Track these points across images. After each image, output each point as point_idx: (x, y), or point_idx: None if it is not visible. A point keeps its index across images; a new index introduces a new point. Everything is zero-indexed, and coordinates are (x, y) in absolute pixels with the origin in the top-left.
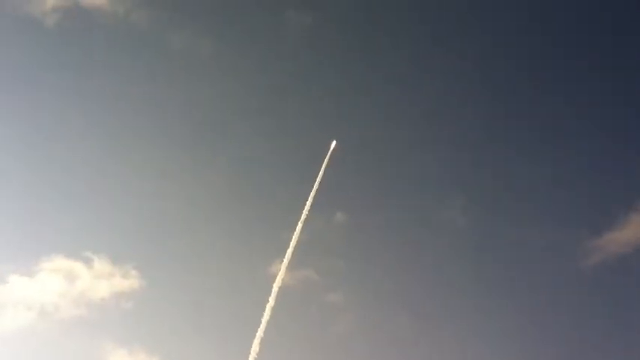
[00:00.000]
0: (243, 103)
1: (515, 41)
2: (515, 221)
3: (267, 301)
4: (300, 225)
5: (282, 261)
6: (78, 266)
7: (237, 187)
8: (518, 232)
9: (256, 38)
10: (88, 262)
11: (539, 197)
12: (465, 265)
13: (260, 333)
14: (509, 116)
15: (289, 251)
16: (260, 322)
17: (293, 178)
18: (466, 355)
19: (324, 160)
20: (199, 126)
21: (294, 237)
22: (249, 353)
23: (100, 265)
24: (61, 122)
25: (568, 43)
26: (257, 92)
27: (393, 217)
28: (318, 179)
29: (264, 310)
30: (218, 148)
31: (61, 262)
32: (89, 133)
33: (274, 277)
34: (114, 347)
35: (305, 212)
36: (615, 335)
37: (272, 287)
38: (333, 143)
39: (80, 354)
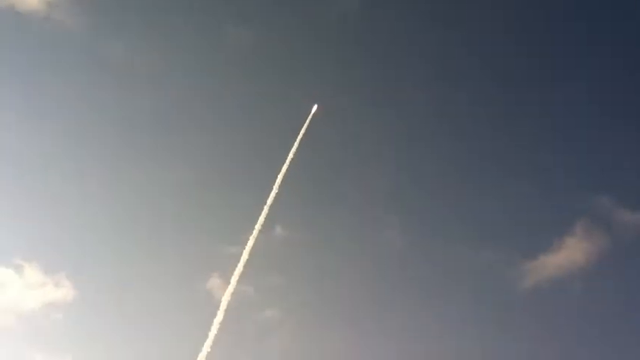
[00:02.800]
0: (176, 117)
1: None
2: (452, 241)
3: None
4: (252, 240)
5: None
6: (8, 273)
7: (172, 199)
8: (455, 252)
9: (196, 49)
10: (18, 269)
11: (477, 218)
12: (402, 284)
13: (207, 348)
14: (448, 136)
15: (240, 264)
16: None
17: (230, 193)
18: None
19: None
20: (132, 135)
21: (246, 248)
22: None
23: (32, 272)
24: None
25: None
26: (193, 104)
27: (331, 234)
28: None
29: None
30: (154, 157)
31: None
32: (20, 138)
33: (210, 291)
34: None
35: (260, 223)
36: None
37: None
38: (315, 107)
39: None
